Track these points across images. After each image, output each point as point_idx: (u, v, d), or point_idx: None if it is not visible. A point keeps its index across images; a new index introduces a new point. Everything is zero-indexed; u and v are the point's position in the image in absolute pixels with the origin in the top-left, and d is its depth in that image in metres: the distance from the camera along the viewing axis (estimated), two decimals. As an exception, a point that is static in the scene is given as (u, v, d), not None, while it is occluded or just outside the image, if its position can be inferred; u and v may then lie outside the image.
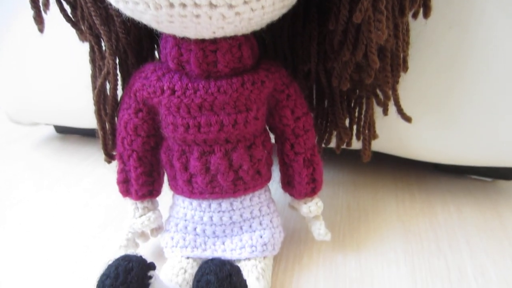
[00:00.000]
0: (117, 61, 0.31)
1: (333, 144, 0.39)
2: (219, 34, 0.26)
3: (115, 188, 0.33)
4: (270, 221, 0.33)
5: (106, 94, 0.32)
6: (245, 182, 0.31)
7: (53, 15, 0.30)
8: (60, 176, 0.51)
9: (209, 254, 0.32)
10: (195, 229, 0.33)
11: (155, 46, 0.34)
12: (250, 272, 0.31)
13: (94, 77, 0.32)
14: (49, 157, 0.56)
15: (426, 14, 0.30)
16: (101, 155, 0.36)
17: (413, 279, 0.33)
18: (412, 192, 0.46)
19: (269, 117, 0.32)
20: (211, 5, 0.23)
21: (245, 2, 0.23)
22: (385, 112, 0.34)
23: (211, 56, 0.28)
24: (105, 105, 0.32)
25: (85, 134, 0.60)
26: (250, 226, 0.33)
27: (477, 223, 0.41)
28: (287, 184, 0.35)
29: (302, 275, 0.34)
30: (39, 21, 0.30)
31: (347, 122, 0.37)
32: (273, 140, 0.34)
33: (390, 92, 0.32)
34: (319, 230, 0.35)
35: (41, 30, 0.31)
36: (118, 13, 0.28)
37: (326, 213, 0.40)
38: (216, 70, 0.28)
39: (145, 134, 0.31)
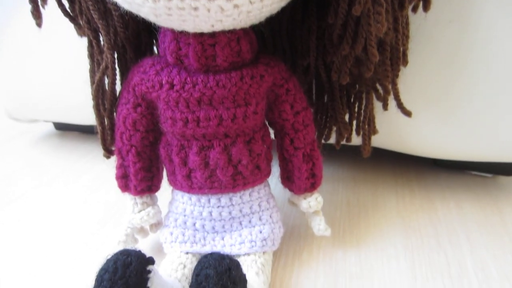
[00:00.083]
0: (116, 55, 0.31)
1: (332, 140, 0.39)
2: (218, 27, 0.26)
3: (114, 184, 0.33)
4: (270, 216, 0.33)
5: (104, 89, 0.32)
6: (245, 177, 0.31)
7: (52, 11, 0.30)
8: (59, 173, 0.50)
9: (208, 249, 0.32)
10: (194, 224, 0.32)
11: (154, 41, 0.33)
12: (249, 267, 0.31)
13: (92, 72, 0.32)
14: (48, 154, 0.56)
15: (426, 8, 0.30)
16: (100, 152, 0.36)
17: (413, 275, 0.33)
18: (412, 188, 0.46)
19: (269, 111, 0.32)
20: (210, -3, 0.23)
21: (243, -5, 0.23)
22: (385, 107, 0.34)
23: (210, 50, 0.27)
24: (104, 100, 0.32)
25: (84, 131, 0.60)
26: (250, 221, 0.33)
27: (477, 218, 0.41)
28: (287, 179, 0.35)
29: (302, 271, 0.34)
30: (37, 15, 0.29)
31: (346, 117, 0.37)
32: (272, 136, 0.34)
33: (390, 87, 0.32)
34: (319, 226, 0.35)
35: (39, 24, 0.30)
36: (116, 6, 0.28)
37: (326, 209, 0.40)
38: (214, 64, 0.28)
39: (144, 129, 0.31)
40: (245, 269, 0.30)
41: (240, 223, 0.33)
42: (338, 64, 0.30)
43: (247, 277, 0.28)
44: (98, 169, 0.51)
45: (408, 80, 0.36)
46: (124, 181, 0.33)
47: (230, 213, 0.32)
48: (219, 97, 0.28)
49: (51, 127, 0.63)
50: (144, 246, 0.36)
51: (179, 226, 0.33)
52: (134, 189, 0.32)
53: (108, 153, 0.35)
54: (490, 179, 0.47)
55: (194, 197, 0.32)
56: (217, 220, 0.32)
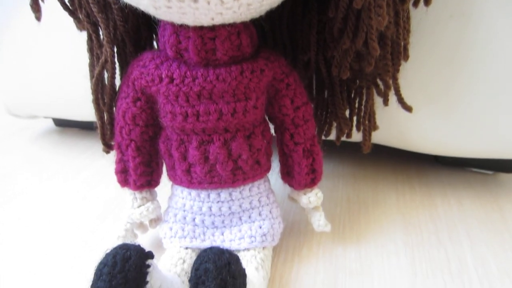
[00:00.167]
0: (115, 49, 0.31)
1: (333, 136, 0.39)
2: (218, 20, 0.26)
3: (114, 180, 0.33)
4: (270, 212, 0.33)
5: (104, 83, 0.32)
6: (244, 172, 0.31)
7: (51, 5, 0.30)
8: (59, 169, 0.50)
9: (207, 244, 0.32)
10: (194, 219, 0.32)
11: (154, 35, 0.33)
12: (249, 262, 0.31)
13: (92, 66, 0.32)
14: (48, 150, 0.56)
15: (427, 2, 0.29)
16: (99, 148, 0.36)
17: (413, 271, 0.33)
18: (412, 185, 0.46)
19: (269, 106, 0.32)
20: (210, -11, 0.22)
21: (244, -13, 0.23)
22: (386, 102, 0.34)
23: (210, 44, 0.27)
24: (103, 94, 0.32)
25: (84, 127, 0.60)
26: (250, 217, 0.33)
27: (478, 215, 0.40)
28: (287, 175, 0.34)
29: (301, 267, 0.34)
30: (36, 9, 0.29)
31: (347, 113, 0.37)
32: (272, 131, 0.34)
33: (391, 81, 0.31)
34: (319, 221, 0.35)
35: (38, 18, 0.30)
36: (115, 0, 0.28)
37: (326, 206, 0.40)
38: (214, 58, 0.28)
39: (144, 124, 0.31)
40: (244, 264, 0.30)
41: (240, 218, 0.32)
42: (338, 59, 0.30)
43: (247, 272, 0.28)
44: (98, 165, 0.51)
45: (409, 76, 0.36)
46: (124, 176, 0.32)
47: (229, 208, 0.32)
48: (219, 91, 0.28)
49: (50, 123, 0.63)
50: (144, 241, 0.36)
51: (178, 221, 0.33)
52: (133, 184, 0.32)
53: (108, 147, 0.35)
54: (491, 176, 0.47)
55: (193, 192, 0.32)
56: (217, 215, 0.32)
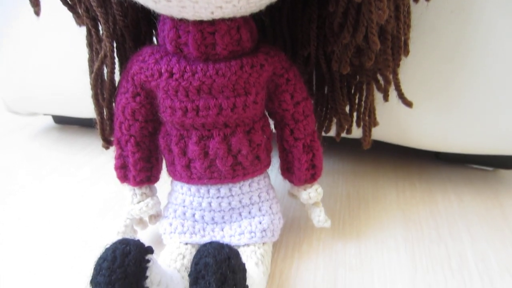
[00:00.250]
0: (115, 45, 0.31)
1: (333, 132, 0.39)
2: (218, 15, 0.26)
3: (113, 177, 0.33)
4: (270, 207, 0.33)
5: (103, 78, 0.32)
6: (244, 167, 0.31)
7: (50, 1, 0.30)
8: (59, 166, 0.50)
9: (207, 240, 0.32)
10: (193, 215, 0.32)
11: (153, 31, 0.33)
12: (249, 257, 0.31)
13: (91, 61, 0.32)
14: (48, 147, 0.56)
15: (428, -3, 0.29)
16: (99, 145, 0.36)
17: (414, 266, 0.33)
18: (413, 181, 0.46)
19: (269, 102, 0.32)
20: (209, -18, 0.22)
21: (243, -20, 0.23)
22: (386, 98, 0.34)
23: (210, 38, 0.27)
24: (103, 89, 0.32)
25: (83, 124, 0.60)
26: (249, 212, 0.32)
27: (478, 211, 0.40)
28: (287, 171, 0.34)
29: (301, 262, 0.34)
30: (34, 3, 0.29)
31: (347, 109, 0.36)
32: (272, 127, 0.34)
33: (391, 77, 0.31)
34: (319, 217, 0.34)
35: (37, 13, 0.30)
36: (115, -6, 0.28)
37: (326, 202, 0.40)
38: (214, 53, 0.28)
39: (143, 119, 0.31)
40: (244, 259, 0.29)
41: (240, 214, 0.32)
42: (338, 54, 0.30)
43: (247, 267, 0.28)
44: (97, 162, 0.51)
45: (409, 71, 0.36)
46: (123, 172, 0.32)
47: (229, 203, 0.32)
48: (219, 86, 0.28)
49: (50, 120, 0.63)
50: (144, 237, 0.36)
51: (178, 217, 0.33)
52: (133, 180, 0.32)
53: (107, 143, 0.35)
54: (491, 172, 0.47)
55: (193, 188, 0.32)
56: (217, 211, 0.32)
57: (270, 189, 0.34)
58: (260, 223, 0.32)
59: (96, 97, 0.32)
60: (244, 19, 0.28)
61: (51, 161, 0.52)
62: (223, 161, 0.30)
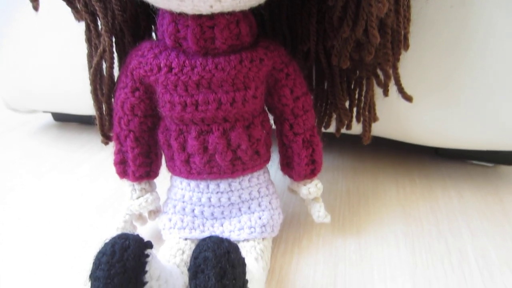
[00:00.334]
0: (114, 40, 0.31)
1: (332, 128, 0.39)
2: (217, 8, 0.26)
3: (113, 174, 0.33)
4: (269, 203, 0.33)
5: (102, 73, 0.32)
6: (244, 162, 0.31)
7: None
8: (58, 163, 0.50)
9: (207, 235, 0.32)
10: (193, 210, 0.32)
11: (152, 26, 0.33)
12: (248, 253, 0.31)
13: (90, 56, 0.32)
14: (47, 145, 0.55)
15: (428, -9, 0.29)
16: (98, 142, 0.36)
17: (414, 261, 0.33)
18: (413, 177, 0.46)
19: (268, 96, 0.32)
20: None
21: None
22: (386, 93, 0.34)
23: (209, 32, 0.27)
24: (102, 85, 0.32)
25: (83, 121, 0.60)
26: (249, 208, 0.32)
27: (478, 207, 0.40)
28: (286, 166, 0.34)
29: (301, 258, 0.34)
30: (33, -2, 0.29)
31: (347, 104, 0.36)
32: (272, 123, 0.33)
33: (391, 71, 0.31)
34: (319, 212, 0.34)
35: (35, 8, 0.30)
36: (113, -12, 0.28)
37: (326, 198, 0.40)
38: (213, 47, 0.28)
39: (142, 114, 0.31)
40: (244, 255, 0.29)
41: (239, 209, 0.32)
42: (338, 48, 0.30)
43: (246, 262, 0.28)
44: (97, 159, 0.51)
45: (409, 67, 0.35)
46: (122, 167, 0.32)
47: (229, 199, 0.32)
48: (218, 80, 0.28)
49: (49, 118, 0.63)
50: (143, 233, 0.35)
51: (177, 213, 0.33)
52: (132, 175, 0.32)
53: (106, 139, 0.35)
54: (491, 168, 0.47)
55: (193, 183, 0.32)
56: (216, 206, 0.32)
57: (270, 184, 0.34)
58: (260, 218, 0.32)
59: (95, 93, 0.32)
60: (243, 13, 0.28)
61: (50, 158, 0.51)
62: (223, 156, 0.30)
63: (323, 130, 0.38)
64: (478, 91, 0.37)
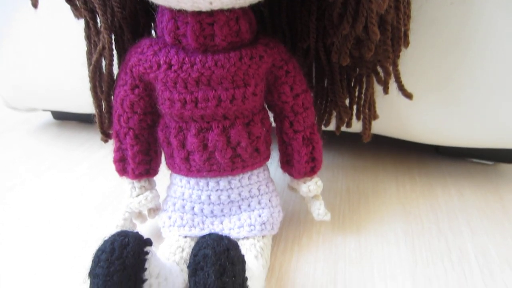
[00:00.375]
0: (113, 37, 0.31)
1: (332, 126, 0.39)
2: (216, 5, 0.25)
3: (112, 172, 0.33)
4: (269, 200, 0.33)
5: (101, 70, 0.31)
6: (243, 160, 0.31)
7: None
8: (57, 161, 0.50)
9: (206, 233, 0.31)
10: (193, 208, 0.32)
11: (152, 24, 0.33)
12: (248, 250, 0.30)
13: (89, 54, 0.32)
14: (47, 143, 0.55)
15: (428, -12, 0.29)
16: (98, 141, 0.36)
17: (414, 259, 0.33)
18: (413, 175, 0.46)
19: (268, 94, 0.31)
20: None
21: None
22: (386, 90, 0.34)
23: (208, 29, 0.27)
24: (101, 82, 0.32)
25: (82, 120, 0.60)
26: (249, 205, 0.32)
27: (478, 205, 0.40)
28: (286, 163, 0.34)
29: (301, 256, 0.34)
30: (32, -5, 0.29)
31: (347, 102, 0.36)
32: (272, 120, 0.33)
33: (391, 68, 0.31)
34: (319, 210, 0.34)
35: (34, 5, 0.30)
36: (112, -15, 0.28)
37: (326, 196, 0.40)
38: (213, 44, 0.27)
39: (142, 111, 0.30)
40: (244, 252, 0.29)
41: (239, 207, 0.32)
42: (338, 45, 0.30)
43: (246, 260, 0.28)
44: (96, 157, 0.51)
45: (409, 64, 0.35)
46: (122, 165, 0.32)
47: (229, 196, 0.32)
48: (218, 77, 0.28)
49: (49, 116, 0.63)
50: (143, 231, 0.35)
51: (177, 210, 0.32)
52: (132, 173, 0.32)
53: (106, 136, 0.34)
54: (491, 166, 0.47)
55: (192, 181, 0.32)
56: (216, 204, 0.32)
57: (270, 182, 0.34)
58: (260, 216, 0.32)
59: (95, 90, 0.32)
60: (243, 10, 0.28)
61: (50, 157, 0.51)
62: (222, 153, 0.30)
63: (323, 128, 0.38)
64: (479, 89, 0.37)
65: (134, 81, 0.29)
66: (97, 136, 0.35)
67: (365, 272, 0.32)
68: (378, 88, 0.35)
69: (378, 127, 0.41)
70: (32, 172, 0.48)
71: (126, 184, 0.33)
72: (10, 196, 0.43)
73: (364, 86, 0.35)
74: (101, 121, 0.33)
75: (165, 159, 0.33)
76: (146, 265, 0.25)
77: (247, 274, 0.26)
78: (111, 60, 0.30)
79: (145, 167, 0.32)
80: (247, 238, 0.32)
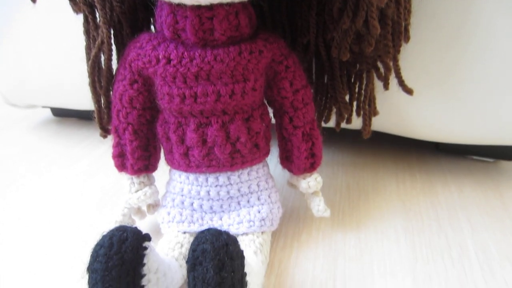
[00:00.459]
0: (112, 32, 0.31)
1: (332, 123, 0.38)
2: (216, -1, 0.25)
3: (112, 169, 0.33)
4: (268, 196, 0.33)
5: (100, 65, 0.31)
6: (243, 155, 0.30)
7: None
8: (57, 158, 0.50)
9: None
10: (192, 204, 0.32)
11: (151, 19, 0.33)
12: (247, 246, 0.30)
13: (88, 49, 0.32)
14: (46, 140, 0.55)
15: (429, -18, 0.29)
16: (97, 138, 0.36)
17: (414, 256, 0.33)
18: (413, 172, 0.45)
19: (268, 89, 0.31)
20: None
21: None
22: (386, 86, 0.34)
23: (208, 24, 0.27)
24: (100, 77, 0.32)
25: (82, 117, 0.59)
26: (248, 201, 0.32)
27: (479, 202, 0.40)
28: (286, 159, 0.34)
29: (301, 252, 0.33)
30: (31, -11, 0.29)
31: (347, 98, 0.36)
32: (271, 115, 0.33)
33: (391, 63, 0.31)
34: (318, 206, 0.34)
35: (33, 0, 0.30)
36: (111, -21, 0.28)
37: (325, 193, 0.39)
38: (212, 39, 0.27)
39: (141, 107, 0.30)
40: (243, 248, 0.29)
41: (239, 203, 0.32)
42: (338, 40, 0.29)
43: (245, 256, 0.28)
44: (96, 154, 0.51)
45: (409, 59, 0.35)
46: (121, 160, 0.32)
47: (228, 192, 0.31)
48: (217, 72, 0.27)
49: (48, 113, 0.63)
50: (142, 227, 0.35)
51: (176, 206, 0.32)
52: (131, 168, 0.32)
53: (105, 132, 0.34)
54: (492, 163, 0.47)
55: (191, 176, 0.31)
56: (215, 200, 0.32)
57: (269, 178, 0.33)
58: (259, 212, 0.32)
59: (94, 85, 0.32)
60: (242, 4, 0.28)
61: (49, 154, 0.51)
62: (222, 148, 0.29)
63: (323, 124, 0.38)
64: (479, 85, 0.36)
65: (133, 76, 0.29)
66: (96, 133, 0.35)
67: (365, 269, 0.32)
68: (378, 84, 0.35)
69: (378, 123, 0.41)
70: (31, 169, 0.48)
71: (125, 179, 0.33)
72: (10, 193, 0.43)
73: (364, 82, 0.35)
74: (100, 117, 0.33)
75: (164, 155, 0.33)
76: (145, 260, 0.25)
77: (246, 269, 0.26)
78: (110, 55, 0.30)
79: (144, 163, 0.32)
80: (246, 234, 0.32)
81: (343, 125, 0.38)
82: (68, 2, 0.31)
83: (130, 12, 0.30)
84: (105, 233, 0.25)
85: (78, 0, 0.30)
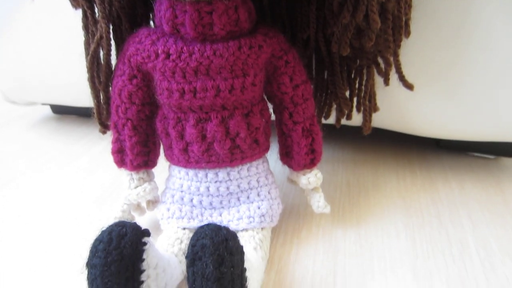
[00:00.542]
0: (111, 27, 0.31)
1: (332, 119, 0.38)
2: (215, -7, 0.25)
3: (111, 166, 0.33)
4: (268, 192, 0.32)
5: (99, 61, 0.31)
6: (242, 151, 0.30)
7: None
8: (57, 155, 0.50)
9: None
10: (191, 200, 0.32)
11: (150, 14, 0.33)
12: (247, 242, 0.30)
13: (87, 44, 0.31)
14: (46, 137, 0.55)
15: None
16: (97, 135, 0.36)
17: (414, 252, 0.33)
18: (413, 169, 0.45)
19: (267, 84, 0.31)
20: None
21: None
22: (386, 81, 0.33)
23: (207, 18, 0.27)
24: (99, 72, 0.31)
25: (81, 114, 0.59)
26: (248, 197, 0.32)
27: (479, 199, 0.40)
28: (286, 155, 0.34)
29: (301, 248, 0.33)
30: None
31: (347, 94, 0.36)
32: (271, 111, 0.33)
33: (392, 59, 0.31)
34: (318, 203, 0.34)
35: (32, -5, 0.30)
36: (110, -26, 0.28)
37: (326, 189, 0.39)
38: (212, 33, 0.27)
39: (140, 102, 0.30)
40: (242, 244, 0.29)
41: (238, 199, 0.32)
42: (338, 35, 0.29)
43: (245, 251, 0.28)
44: (95, 151, 0.51)
45: (410, 55, 0.35)
46: (120, 156, 0.32)
47: (228, 188, 0.31)
48: (216, 67, 0.27)
49: (48, 111, 0.63)
50: (141, 223, 0.34)
51: (176, 202, 0.32)
52: (130, 164, 0.32)
53: (104, 127, 0.34)
54: (493, 160, 0.47)
55: (191, 172, 0.31)
56: (215, 196, 0.32)
57: (269, 174, 0.33)
58: (259, 208, 0.32)
59: (93, 80, 0.32)
60: (242, -1, 0.28)
61: (49, 151, 0.51)
62: (221, 144, 0.29)
63: (323, 121, 0.38)
64: (480, 81, 0.36)
65: (132, 71, 0.29)
66: (96, 130, 0.35)
67: (365, 265, 0.32)
68: (378, 80, 0.35)
69: (379, 120, 0.41)
70: (31, 166, 0.47)
71: (124, 175, 0.33)
72: (10, 190, 0.43)
73: (365, 77, 0.34)
74: (99, 112, 0.33)
75: (164, 151, 0.32)
76: (144, 256, 0.25)
77: (246, 265, 0.25)
78: (109, 50, 0.30)
79: (144, 159, 0.32)
80: (246, 230, 0.31)
81: (343, 121, 0.38)
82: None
83: (129, 7, 0.30)
84: (104, 229, 0.25)
85: (77, -5, 0.30)
